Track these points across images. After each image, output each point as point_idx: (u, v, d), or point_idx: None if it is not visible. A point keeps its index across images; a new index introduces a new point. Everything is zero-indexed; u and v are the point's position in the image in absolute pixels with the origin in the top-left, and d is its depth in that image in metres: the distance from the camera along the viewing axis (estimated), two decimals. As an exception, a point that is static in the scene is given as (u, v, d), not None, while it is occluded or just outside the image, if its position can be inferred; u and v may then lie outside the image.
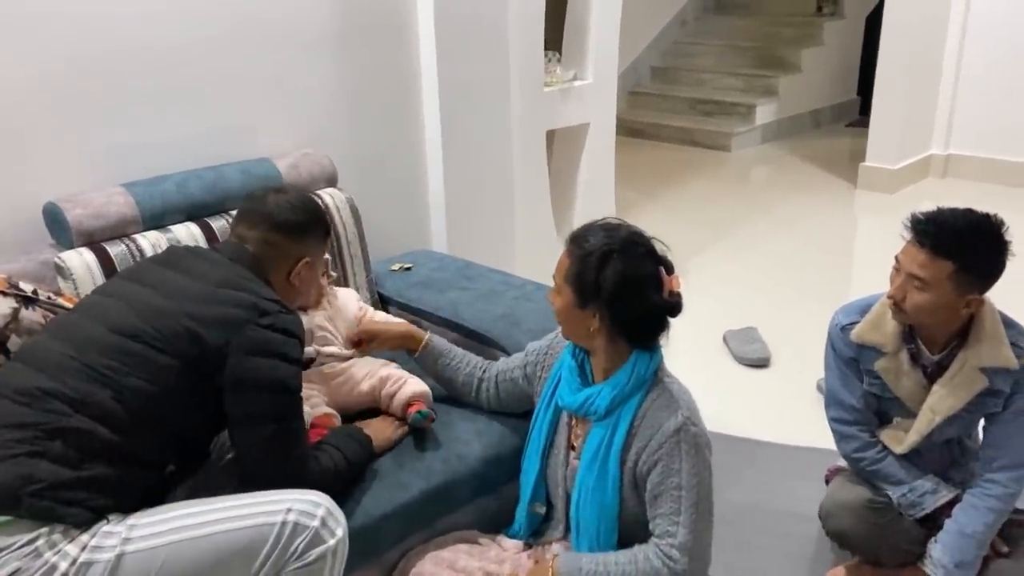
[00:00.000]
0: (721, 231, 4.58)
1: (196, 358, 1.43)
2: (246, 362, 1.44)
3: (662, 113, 6.76)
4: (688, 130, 6.48)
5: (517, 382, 1.80)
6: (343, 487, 1.62)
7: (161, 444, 1.45)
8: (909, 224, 1.65)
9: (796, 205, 5.02)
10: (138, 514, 1.36)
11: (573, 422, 1.64)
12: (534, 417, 1.70)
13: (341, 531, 1.42)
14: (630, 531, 1.56)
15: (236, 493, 1.45)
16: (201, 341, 1.42)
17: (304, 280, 1.67)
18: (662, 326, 1.52)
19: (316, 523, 1.39)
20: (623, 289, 1.47)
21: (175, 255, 1.62)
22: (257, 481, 1.47)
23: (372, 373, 1.87)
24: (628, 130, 6.56)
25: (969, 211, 1.64)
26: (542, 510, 1.68)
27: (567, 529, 1.65)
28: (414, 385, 1.85)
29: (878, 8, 4.99)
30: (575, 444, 1.62)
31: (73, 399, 1.36)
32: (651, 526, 1.52)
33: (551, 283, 1.58)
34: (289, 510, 1.38)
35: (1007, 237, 1.61)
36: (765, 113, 6.48)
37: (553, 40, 3.55)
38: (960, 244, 1.60)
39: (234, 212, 2.08)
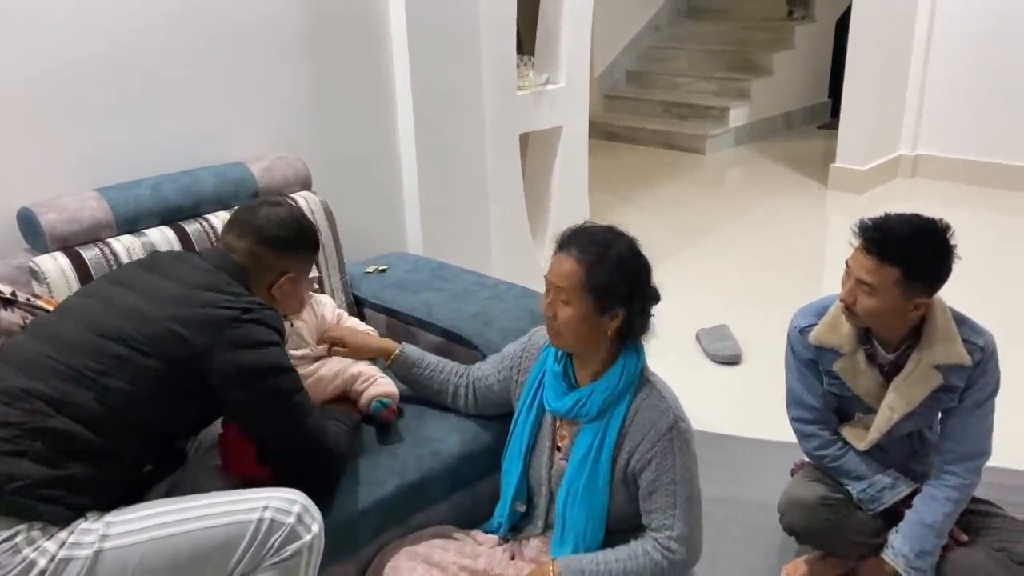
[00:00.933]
0: (695, 232, 4.64)
1: (182, 360, 1.45)
2: (236, 356, 1.47)
3: (637, 116, 6.81)
4: (663, 133, 6.54)
5: (492, 388, 1.82)
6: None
7: (140, 444, 1.47)
8: (857, 230, 1.68)
9: (768, 206, 5.09)
10: (116, 511, 1.39)
11: (558, 424, 1.66)
12: (515, 419, 1.72)
13: (317, 527, 1.44)
14: (614, 526, 1.60)
15: (216, 491, 1.48)
16: (187, 343, 1.45)
17: (286, 294, 1.70)
18: (650, 316, 1.58)
19: (292, 519, 1.41)
20: (639, 287, 1.53)
21: (158, 260, 1.64)
22: (285, 460, 1.56)
23: (343, 371, 1.89)
24: (604, 133, 6.62)
25: (915, 216, 1.66)
26: (523, 508, 1.71)
27: (546, 525, 1.68)
28: (383, 385, 1.88)
29: (848, 12, 5.07)
30: (560, 445, 1.65)
31: (55, 399, 1.38)
32: (645, 520, 1.55)
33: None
34: (265, 507, 1.41)
35: (952, 241, 1.64)
36: (738, 116, 6.56)
37: (526, 45, 3.60)
38: (906, 251, 1.62)
39: (209, 216, 2.12)
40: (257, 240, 1.64)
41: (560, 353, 1.64)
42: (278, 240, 1.66)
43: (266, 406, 1.53)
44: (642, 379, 1.58)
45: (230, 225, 1.69)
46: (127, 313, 1.47)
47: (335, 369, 1.89)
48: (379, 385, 1.87)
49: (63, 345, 1.44)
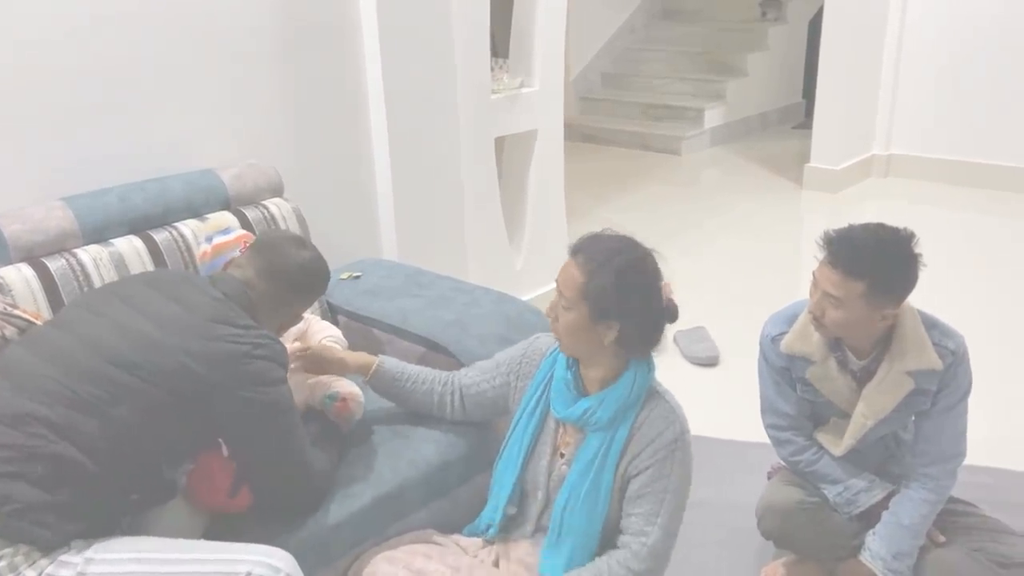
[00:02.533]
0: (672, 233, 4.64)
1: (190, 394, 1.44)
2: (246, 394, 1.48)
3: (614, 118, 6.83)
4: (639, 134, 6.56)
5: (486, 395, 1.79)
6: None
7: (133, 473, 1.45)
8: (822, 243, 1.67)
9: (744, 206, 5.11)
10: (96, 547, 1.36)
11: (561, 430, 1.65)
12: (514, 422, 1.70)
13: None
14: (610, 532, 1.59)
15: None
16: (198, 378, 1.44)
17: (288, 326, 1.76)
18: (661, 333, 1.56)
19: None
20: (639, 301, 1.51)
21: (165, 279, 1.61)
22: (271, 489, 1.59)
23: (300, 382, 1.85)
24: (581, 135, 6.62)
25: (880, 227, 1.65)
26: (514, 511, 1.69)
27: (536, 529, 1.67)
28: (337, 386, 1.82)
29: (820, 13, 5.11)
30: (564, 451, 1.63)
31: (59, 426, 1.36)
32: (624, 523, 1.55)
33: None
34: (249, 573, 1.38)
35: (916, 250, 1.63)
36: (714, 117, 6.59)
37: (500, 47, 3.58)
38: (870, 264, 1.61)
39: (178, 224, 2.09)
40: (286, 287, 1.67)
41: (571, 359, 1.62)
42: (301, 286, 1.70)
43: (268, 441, 1.54)
44: (650, 391, 1.58)
45: (254, 259, 1.67)
46: (134, 338, 1.45)
47: (295, 379, 1.84)
48: (336, 386, 1.82)
49: (68, 367, 1.41)
